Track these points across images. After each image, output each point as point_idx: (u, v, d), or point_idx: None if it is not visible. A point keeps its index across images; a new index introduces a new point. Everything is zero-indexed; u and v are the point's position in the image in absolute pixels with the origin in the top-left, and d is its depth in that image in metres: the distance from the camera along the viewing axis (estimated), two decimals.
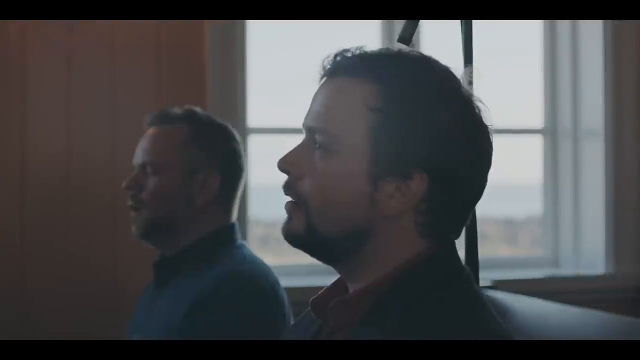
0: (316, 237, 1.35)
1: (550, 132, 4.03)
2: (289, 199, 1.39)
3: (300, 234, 1.36)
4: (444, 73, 1.37)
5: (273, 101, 3.52)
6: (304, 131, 1.39)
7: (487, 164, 1.39)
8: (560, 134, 4.01)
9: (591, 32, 3.91)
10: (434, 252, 1.36)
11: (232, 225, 2.30)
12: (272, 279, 2.19)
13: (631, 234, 3.88)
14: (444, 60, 1.41)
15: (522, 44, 4.11)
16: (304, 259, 1.48)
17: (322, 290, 1.44)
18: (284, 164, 1.38)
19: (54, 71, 3.19)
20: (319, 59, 1.40)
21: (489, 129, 1.38)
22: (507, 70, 4.08)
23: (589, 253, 3.93)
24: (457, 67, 1.41)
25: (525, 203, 4.21)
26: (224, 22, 3.29)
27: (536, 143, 4.07)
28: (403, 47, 1.40)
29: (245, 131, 3.40)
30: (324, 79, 1.39)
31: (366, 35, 3.81)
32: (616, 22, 3.84)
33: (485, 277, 3.52)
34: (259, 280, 2.15)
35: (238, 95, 3.37)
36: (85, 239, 3.18)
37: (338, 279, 1.43)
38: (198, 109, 2.36)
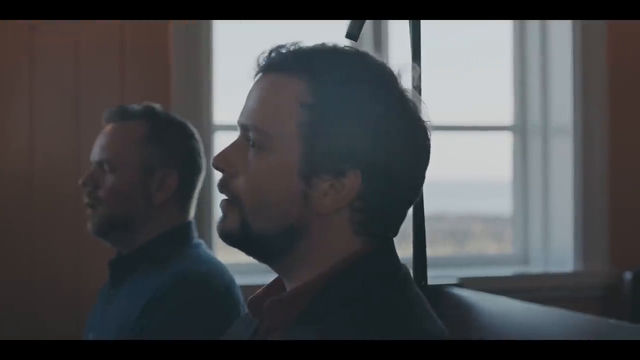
0: (250, 235, 1.34)
1: (520, 130, 4.03)
2: (224, 196, 1.38)
3: (234, 232, 1.35)
4: (379, 69, 1.35)
5: (240, 99, 3.49)
6: (238, 128, 1.38)
7: (424, 160, 1.37)
8: (530, 132, 4.01)
9: (560, 32, 3.92)
10: (369, 251, 1.34)
11: (189, 224, 2.28)
12: (228, 279, 2.17)
13: (600, 231, 3.88)
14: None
15: (492, 42, 4.11)
16: None
17: (260, 290, 1.43)
18: (218, 162, 1.36)
19: (18, 70, 3.16)
20: None
21: (426, 125, 1.37)
22: (477, 68, 4.08)
23: (559, 251, 3.94)
24: (398, 63, 1.38)
25: (495, 200, 4.21)
26: (188, 21, 3.28)
27: (506, 140, 4.07)
28: (339, 42, 1.37)
29: (211, 128, 3.38)
30: (259, 75, 1.37)
31: (334, 35, 3.78)
32: (585, 21, 3.85)
33: (453, 275, 3.52)
34: (213, 280, 2.13)
35: (203, 93, 3.35)
36: (48, 237, 3.16)
37: (276, 278, 1.42)
38: (157, 106, 2.33)
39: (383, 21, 3.77)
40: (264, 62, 1.36)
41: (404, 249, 4.22)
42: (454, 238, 4.29)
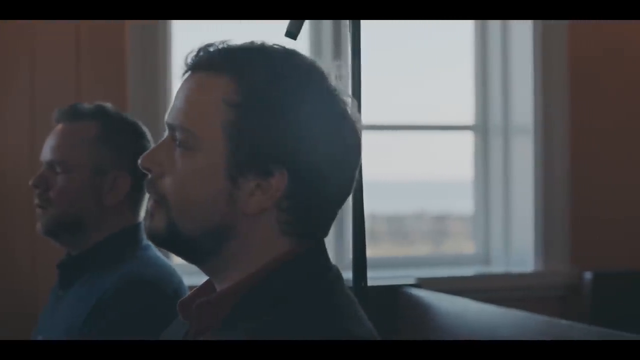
0: (177, 236, 1.32)
1: (481, 129, 4.03)
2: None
3: (161, 232, 1.33)
4: (307, 66, 1.33)
5: None
6: (166, 128, 1.36)
7: (353, 159, 1.35)
8: (491, 131, 4.02)
9: (521, 32, 3.93)
10: (298, 252, 1.33)
11: (138, 226, 2.25)
12: (176, 281, 2.15)
13: (561, 231, 3.89)
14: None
15: (453, 42, 4.11)
16: None
17: (191, 291, 1.41)
18: (145, 162, 1.35)
19: None
20: None
21: (355, 124, 1.35)
22: (439, 68, 4.09)
23: (519, 250, 3.94)
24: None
25: (457, 200, 4.21)
26: (145, 22, 3.26)
27: (467, 140, 4.07)
28: (268, 41, 1.35)
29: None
30: (187, 74, 1.35)
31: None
32: (545, 22, 3.86)
33: (412, 275, 3.53)
34: (161, 283, 2.11)
35: (160, 93, 3.33)
36: (3, 237, 3.12)
37: (207, 280, 1.41)
38: (109, 105, 2.30)
39: (343, 22, 3.75)
40: (191, 61, 1.34)
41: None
42: (412, 238, 4.28)
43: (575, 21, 3.86)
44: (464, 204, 4.11)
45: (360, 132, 1.36)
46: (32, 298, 3.11)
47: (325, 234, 1.37)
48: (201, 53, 1.33)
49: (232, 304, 1.31)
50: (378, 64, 4.02)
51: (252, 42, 1.34)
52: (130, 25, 3.28)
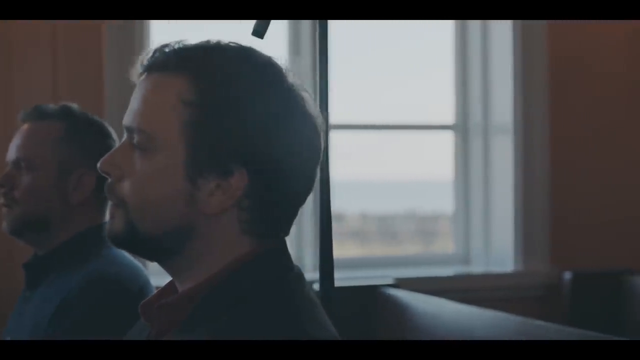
0: (136, 237, 1.31)
1: (462, 129, 4.03)
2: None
3: (120, 233, 1.32)
4: (264, 64, 1.32)
5: None
6: (124, 131, 1.35)
7: (313, 155, 1.34)
8: (472, 131, 4.02)
9: (501, 32, 3.93)
10: (260, 253, 1.33)
11: (104, 224, 2.24)
12: (142, 280, 2.14)
13: (540, 231, 3.89)
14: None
15: (434, 42, 4.11)
16: None
17: (153, 293, 1.41)
18: (103, 167, 1.34)
19: None
20: None
21: (315, 120, 1.33)
22: (419, 68, 4.08)
23: (499, 250, 3.94)
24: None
25: (437, 200, 4.21)
26: (121, 22, 3.25)
27: (447, 139, 4.07)
28: (223, 39, 1.34)
29: None
30: (143, 76, 1.34)
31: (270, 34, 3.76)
32: (525, 21, 3.86)
33: (391, 275, 3.53)
34: (126, 281, 2.11)
35: None
36: None
37: (171, 281, 1.40)
38: (74, 106, 2.30)
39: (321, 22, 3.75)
40: (147, 63, 1.33)
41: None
42: (393, 238, 4.28)
43: (554, 21, 3.86)
44: (445, 203, 4.11)
45: (321, 128, 1.34)
46: (9, 298, 3.09)
47: (287, 232, 1.36)
48: (157, 54, 1.32)
49: (192, 305, 1.30)
50: (357, 65, 4.02)
51: (207, 41, 1.33)
52: (107, 25, 3.27)
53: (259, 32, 1.74)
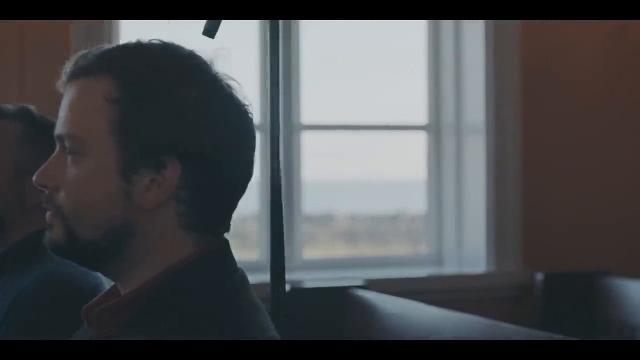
0: (76, 244, 1.32)
1: (434, 129, 4.02)
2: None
3: (60, 242, 1.33)
4: (187, 56, 1.33)
5: None
6: (56, 142, 1.36)
7: (245, 143, 1.35)
8: (444, 131, 4.01)
9: (473, 32, 3.93)
10: (202, 254, 1.32)
11: None
12: (95, 281, 2.13)
13: (512, 232, 3.89)
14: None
15: (406, 42, 4.11)
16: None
17: (96, 297, 1.40)
18: (39, 179, 1.35)
19: None
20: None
21: (245, 108, 1.34)
22: (392, 68, 4.07)
23: (472, 251, 3.94)
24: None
25: (410, 200, 4.20)
26: (89, 22, 3.24)
27: (420, 140, 4.06)
28: (144, 39, 1.35)
29: None
30: (68, 84, 1.35)
31: (246, 34, 3.76)
32: (497, 22, 3.86)
33: (359, 277, 3.52)
34: (77, 282, 2.09)
35: None
36: None
37: (114, 285, 1.39)
38: (32, 107, 2.29)
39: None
40: (70, 70, 1.34)
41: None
42: (366, 238, 4.27)
43: (526, 21, 3.86)
44: (418, 204, 4.10)
45: (251, 116, 1.35)
46: None
47: (227, 227, 1.36)
48: (79, 61, 1.34)
49: (132, 310, 1.30)
50: (330, 65, 4.01)
51: (127, 43, 1.34)
52: (75, 26, 3.25)
53: (210, 32, 1.73)
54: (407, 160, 4.16)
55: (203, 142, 1.29)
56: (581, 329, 3.67)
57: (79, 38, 3.26)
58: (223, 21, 1.81)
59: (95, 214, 1.29)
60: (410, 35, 4.07)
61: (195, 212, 1.31)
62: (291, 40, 3.76)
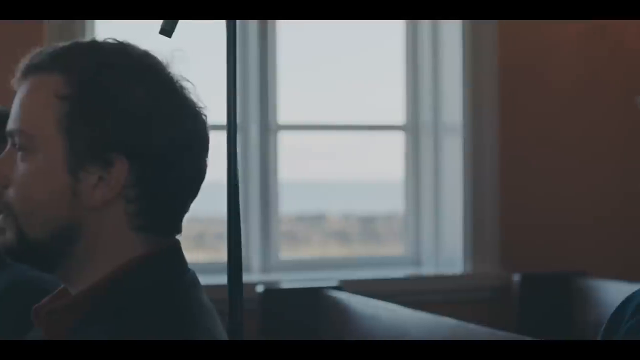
0: (27, 244, 1.30)
1: (412, 129, 4.01)
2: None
3: (12, 244, 1.31)
4: (139, 55, 1.33)
5: None
6: (8, 138, 1.35)
7: (197, 144, 1.34)
8: (422, 131, 4.00)
9: (451, 31, 3.92)
10: (153, 253, 1.31)
11: None
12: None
13: (490, 233, 3.88)
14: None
15: (384, 42, 4.10)
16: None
17: (46, 298, 1.39)
18: None
19: None
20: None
21: (198, 110, 1.34)
22: (369, 67, 4.07)
23: (449, 252, 3.93)
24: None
25: (387, 201, 4.20)
26: (63, 21, 3.22)
27: (398, 140, 4.05)
28: (98, 37, 1.36)
29: None
30: (21, 81, 1.35)
31: (214, 34, 3.74)
32: (475, 22, 3.85)
33: (335, 277, 3.51)
34: (45, 284, 2.07)
35: None
36: None
37: (64, 286, 1.38)
38: (2, 107, 2.26)
39: (270, 22, 3.73)
40: (23, 68, 1.34)
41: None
42: (343, 239, 4.26)
43: (504, 21, 3.85)
44: (395, 204, 4.09)
45: (205, 118, 1.34)
46: None
47: (177, 229, 1.35)
48: (32, 59, 1.33)
49: (80, 310, 1.29)
50: (307, 65, 4.00)
51: (80, 40, 1.34)
52: (48, 25, 3.23)
53: (167, 31, 1.72)
54: (384, 160, 4.15)
55: (152, 142, 1.28)
56: (558, 329, 3.67)
57: (53, 37, 3.24)
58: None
59: (43, 212, 1.28)
60: (388, 35, 4.06)
61: (144, 213, 1.29)
62: (267, 41, 3.74)
